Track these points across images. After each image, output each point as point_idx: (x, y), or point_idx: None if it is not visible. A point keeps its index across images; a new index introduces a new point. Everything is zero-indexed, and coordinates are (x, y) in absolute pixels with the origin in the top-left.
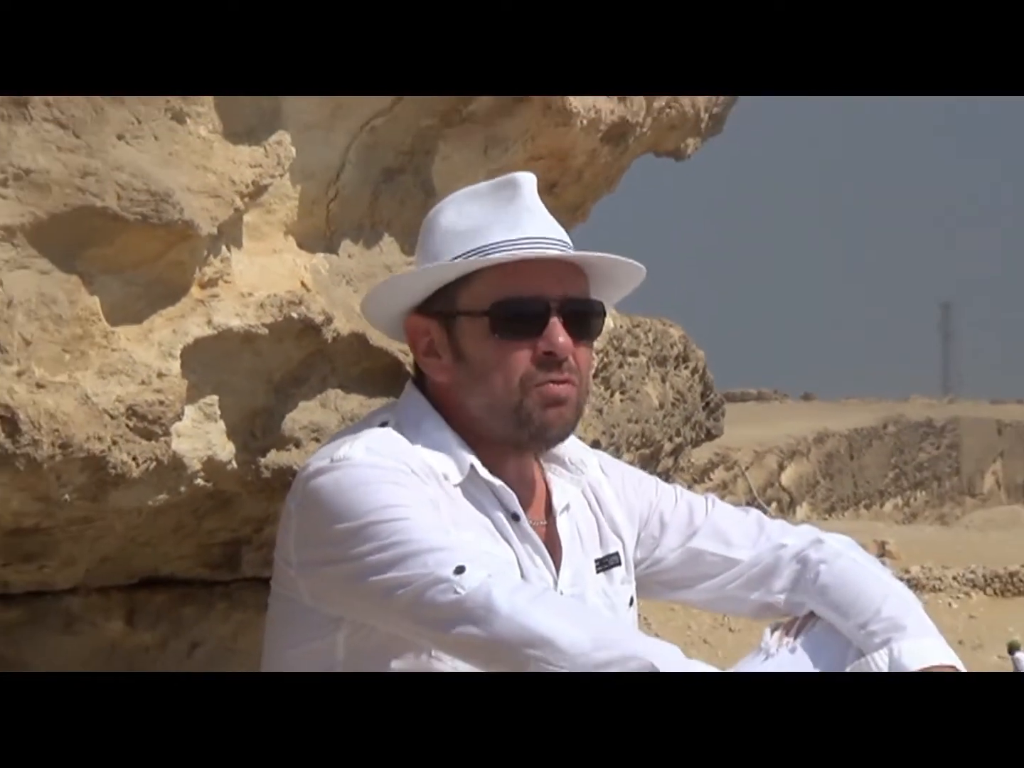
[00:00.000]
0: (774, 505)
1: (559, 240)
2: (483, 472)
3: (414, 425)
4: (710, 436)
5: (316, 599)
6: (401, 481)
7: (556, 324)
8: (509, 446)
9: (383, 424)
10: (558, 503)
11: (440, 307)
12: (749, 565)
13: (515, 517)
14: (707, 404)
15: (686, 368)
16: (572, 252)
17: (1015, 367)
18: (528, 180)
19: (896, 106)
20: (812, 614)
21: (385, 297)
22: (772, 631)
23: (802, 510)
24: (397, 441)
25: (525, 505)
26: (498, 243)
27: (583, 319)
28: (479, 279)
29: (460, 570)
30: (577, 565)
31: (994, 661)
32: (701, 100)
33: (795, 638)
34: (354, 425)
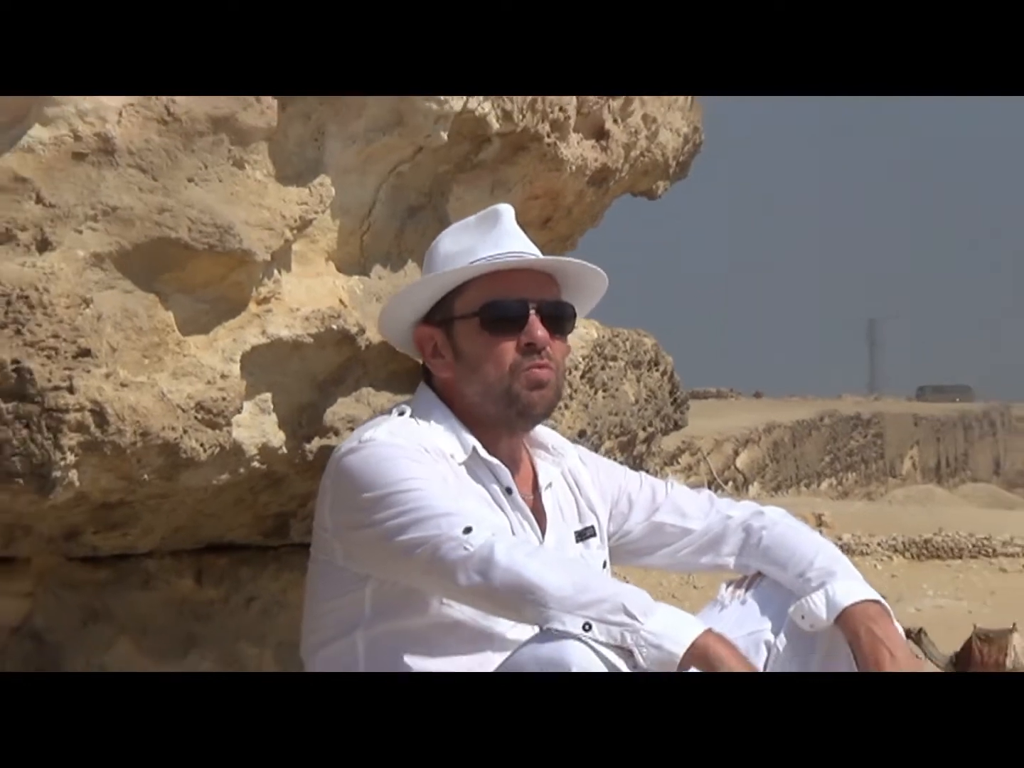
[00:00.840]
0: (730, 484)
1: (534, 255)
2: (482, 452)
3: (425, 415)
4: (677, 427)
5: (348, 559)
6: (417, 458)
7: (535, 320)
8: (502, 428)
9: (401, 413)
10: (543, 481)
11: (440, 316)
12: (701, 534)
13: (508, 490)
14: (674, 400)
15: (657, 370)
16: (543, 258)
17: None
18: (507, 209)
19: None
20: (759, 573)
21: (396, 312)
22: (727, 586)
23: (753, 488)
24: (413, 427)
25: (516, 481)
26: (484, 258)
27: (557, 317)
28: (470, 288)
29: (468, 530)
30: (559, 533)
31: (911, 612)
32: (670, 149)
33: (745, 591)
34: (377, 416)
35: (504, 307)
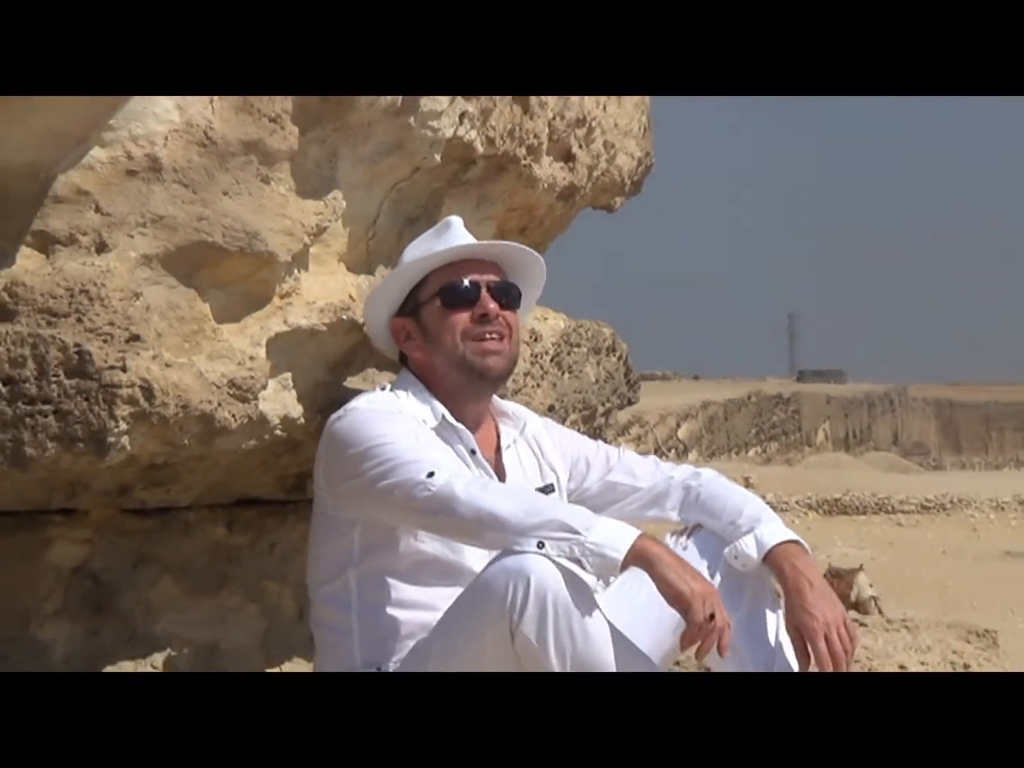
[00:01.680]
0: (672, 452)
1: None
2: (450, 418)
3: (403, 388)
4: (630, 403)
5: (338, 508)
6: (390, 418)
7: (486, 296)
8: (467, 397)
9: (382, 388)
10: (504, 443)
11: (409, 307)
12: (648, 491)
13: (472, 451)
14: (628, 381)
15: (614, 356)
16: (484, 243)
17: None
18: (456, 219)
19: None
20: (697, 525)
21: (373, 312)
22: (670, 536)
23: (692, 455)
24: (391, 397)
25: (479, 443)
26: (433, 254)
27: (505, 293)
28: (430, 280)
29: (431, 474)
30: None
31: (823, 559)
32: (626, 170)
33: (686, 539)
34: (362, 393)
35: (458, 286)
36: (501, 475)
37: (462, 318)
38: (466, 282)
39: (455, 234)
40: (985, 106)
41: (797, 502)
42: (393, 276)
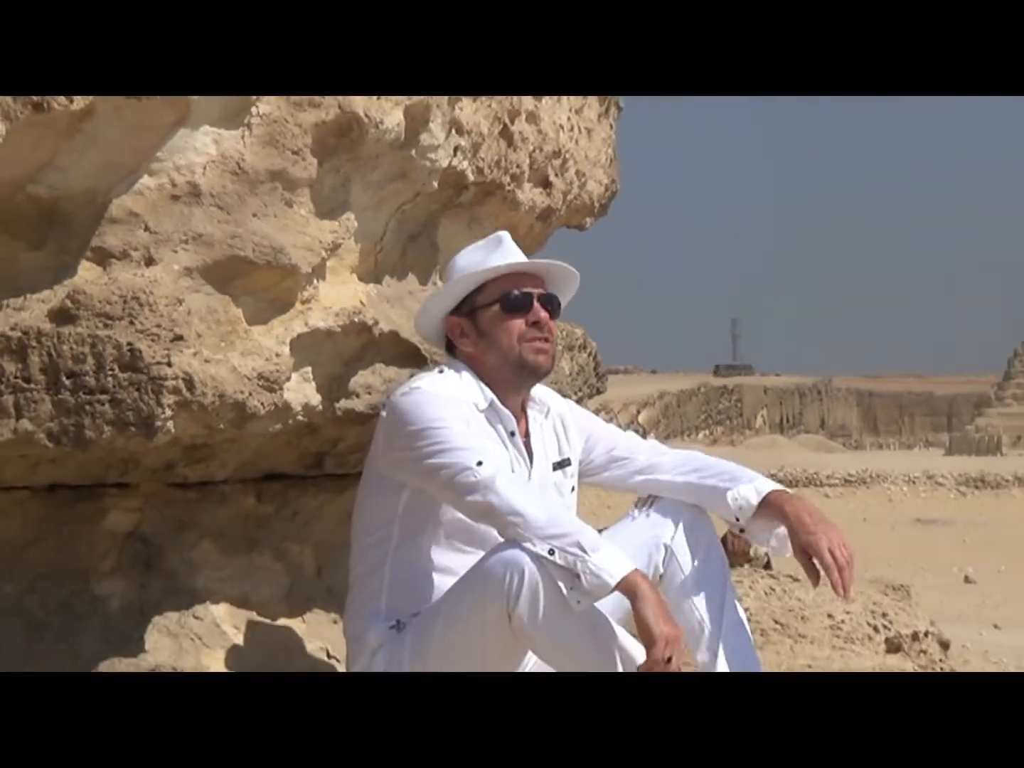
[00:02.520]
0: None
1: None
2: (498, 403)
3: (457, 373)
4: (599, 392)
5: (392, 472)
6: (448, 404)
7: (538, 306)
8: (511, 387)
9: (440, 371)
10: (533, 428)
11: (465, 309)
12: (645, 463)
13: (512, 433)
14: (597, 374)
15: (585, 352)
16: (541, 261)
17: (773, 358)
18: (506, 234)
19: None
20: (658, 497)
21: (429, 310)
22: (635, 505)
23: (650, 438)
24: (449, 380)
25: (522, 435)
26: (496, 266)
27: (550, 303)
28: (488, 286)
29: (479, 463)
30: (542, 466)
31: None
32: (595, 195)
33: (649, 508)
34: (423, 371)
35: (517, 296)
36: (530, 453)
37: (518, 323)
38: (522, 293)
39: (509, 248)
40: (917, 111)
41: None
42: (458, 282)
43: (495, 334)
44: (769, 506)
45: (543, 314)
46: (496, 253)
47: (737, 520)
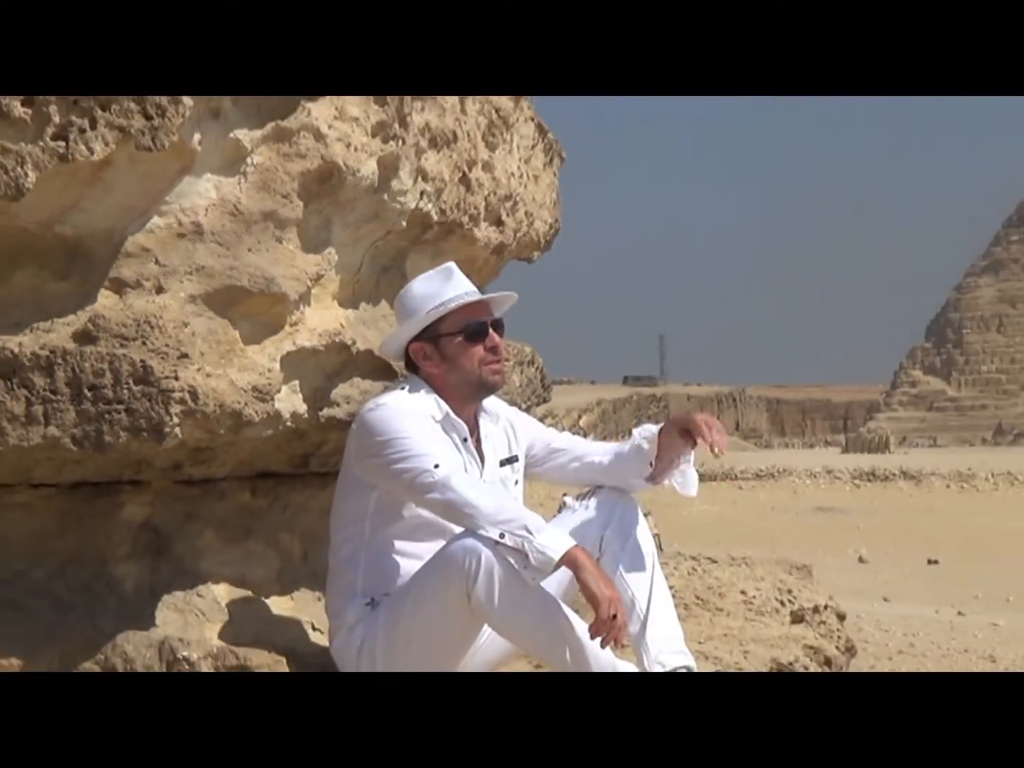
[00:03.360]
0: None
1: (477, 292)
2: (451, 415)
3: (417, 391)
4: (545, 401)
5: (364, 476)
6: (408, 418)
7: (492, 332)
8: (467, 401)
9: (402, 388)
10: (483, 433)
11: (428, 335)
12: (580, 453)
13: (464, 440)
14: (543, 385)
15: (533, 367)
16: (491, 295)
17: (696, 369)
18: (455, 265)
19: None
20: (596, 489)
21: (396, 337)
22: (574, 498)
23: (589, 439)
24: (409, 397)
25: (473, 440)
26: (454, 297)
27: (500, 327)
28: (450, 316)
29: (436, 466)
30: (491, 466)
31: (684, 515)
32: (541, 233)
33: (588, 500)
34: (388, 389)
35: (477, 326)
36: (481, 455)
37: (478, 349)
38: (480, 322)
39: (460, 279)
40: (810, 134)
41: None
42: (427, 313)
43: (459, 359)
44: (665, 431)
45: (497, 339)
46: (449, 285)
47: (649, 463)
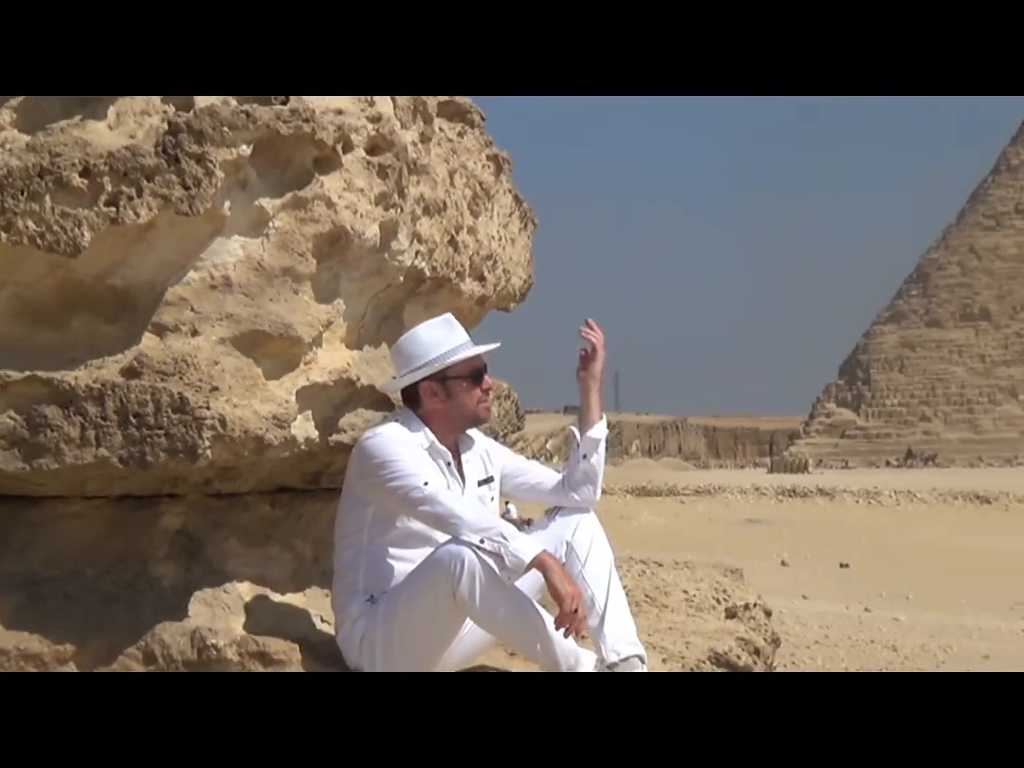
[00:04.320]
0: (543, 458)
1: (470, 341)
2: (437, 444)
3: (408, 424)
4: (518, 430)
5: (363, 494)
6: (399, 445)
7: (487, 377)
8: (455, 432)
9: (396, 421)
10: (464, 459)
11: (437, 376)
12: (542, 479)
13: (448, 463)
14: (517, 415)
15: (509, 400)
16: (488, 348)
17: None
18: (451, 315)
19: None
20: (559, 508)
21: (409, 375)
22: (545, 513)
23: (555, 459)
24: (402, 428)
25: (455, 464)
26: (460, 345)
27: (487, 370)
28: (459, 363)
29: (426, 484)
30: (471, 486)
31: (635, 526)
32: (517, 287)
33: (555, 515)
34: (384, 421)
35: (479, 372)
36: (462, 476)
37: (477, 391)
38: (480, 369)
39: (459, 329)
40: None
41: (620, 488)
42: (441, 359)
43: (461, 397)
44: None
45: (490, 382)
46: (453, 334)
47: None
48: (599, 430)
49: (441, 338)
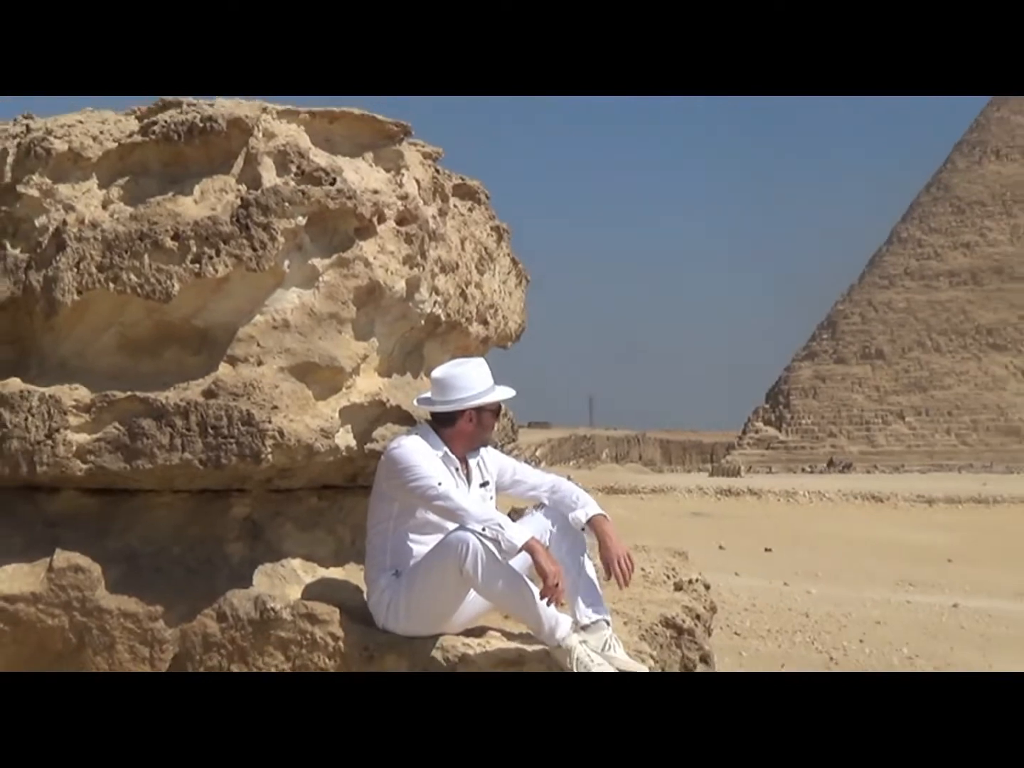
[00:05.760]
0: (532, 463)
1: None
2: (450, 454)
3: (425, 436)
4: (513, 441)
5: (390, 492)
6: (419, 453)
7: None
8: (468, 447)
9: (415, 434)
10: (470, 466)
11: (476, 407)
12: (534, 484)
13: (456, 469)
14: (512, 430)
15: (505, 418)
16: (508, 394)
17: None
18: (485, 360)
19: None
20: (543, 504)
21: (458, 402)
22: (533, 507)
23: (542, 465)
24: (421, 441)
25: (461, 465)
26: (493, 387)
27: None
28: (492, 400)
29: (439, 484)
30: (474, 487)
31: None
32: (513, 329)
33: (539, 510)
34: (406, 433)
35: (499, 408)
36: (468, 480)
37: (495, 422)
38: (500, 405)
39: (490, 374)
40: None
41: (592, 487)
42: (488, 396)
43: (485, 423)
44: (591, 524)
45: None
46: (489, 377)
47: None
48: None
49: (484, 379)
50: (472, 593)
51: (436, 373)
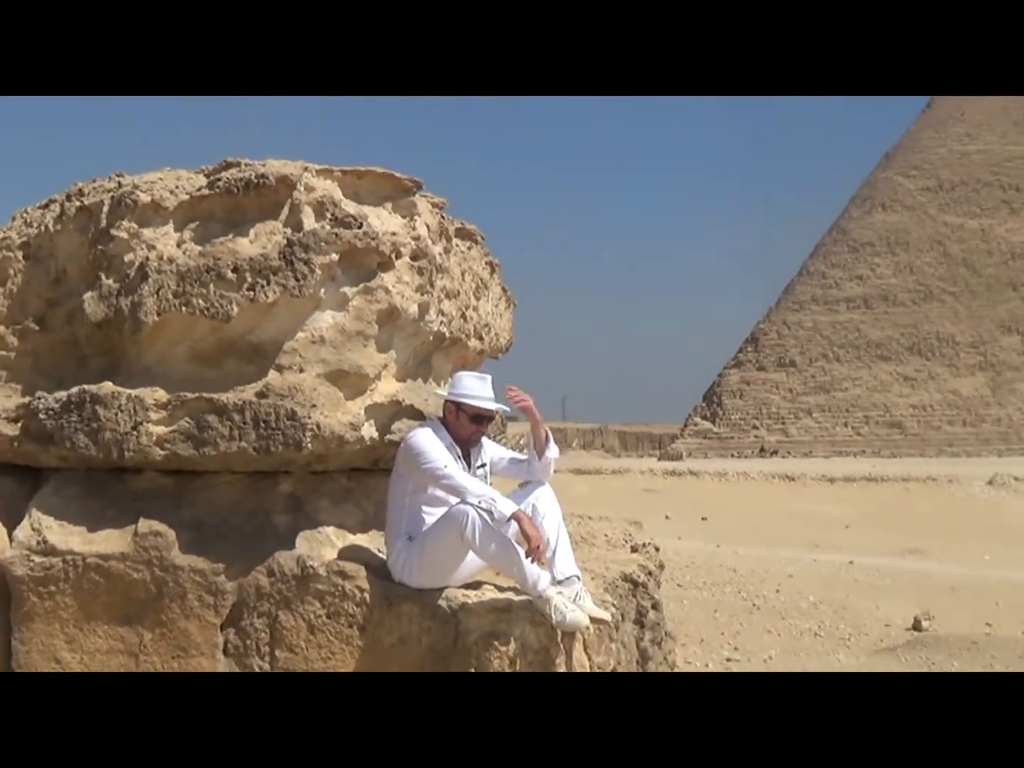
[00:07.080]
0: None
1: (493, 398)
2: (453, 443)
3: (435, 429)
4: (503, 432)
5: (406, 472)
6: (431, 440)
7: (484, 423)
8: (469, 440)
9: (427, 426)
10: (471, 454)
11: (456, 404)
12: (522, 465)
13: (459, 456)
14: (502, 423)
15: (497, 413)
16: (493, 406)
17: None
18: (490, 377)
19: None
20: (528, 482)
21: (446, 395)
22: (520, 485)
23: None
24: (431, 431)
25: (464, 455)
26: (478, 396)
27: (491, 420)
28: (470, 405)
29: (446, 466)
30: (473, 469)
31: (573, 494)
32: (504, 344)
33: (525, 486)
34: (420, 425)
35: (479, 417)
36: (469, 464)
37: (473, 426)
38: (481, 415)
39: (489, 388)
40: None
41: (564, 469)
42: (465, 398)
43: (462, 423)
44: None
45: (484, 428)
46: (483, 388)
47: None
48: (553, 451)
49: (473, 387)
50: (471, 554)
51: (454, 374)
